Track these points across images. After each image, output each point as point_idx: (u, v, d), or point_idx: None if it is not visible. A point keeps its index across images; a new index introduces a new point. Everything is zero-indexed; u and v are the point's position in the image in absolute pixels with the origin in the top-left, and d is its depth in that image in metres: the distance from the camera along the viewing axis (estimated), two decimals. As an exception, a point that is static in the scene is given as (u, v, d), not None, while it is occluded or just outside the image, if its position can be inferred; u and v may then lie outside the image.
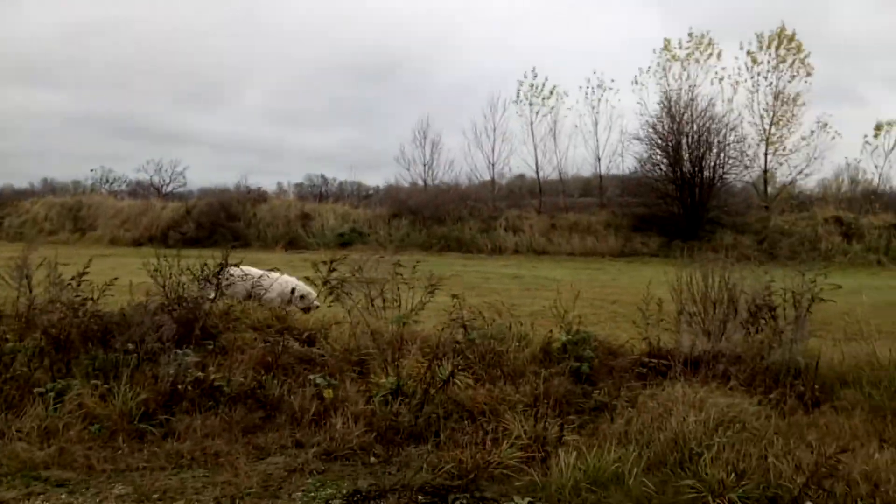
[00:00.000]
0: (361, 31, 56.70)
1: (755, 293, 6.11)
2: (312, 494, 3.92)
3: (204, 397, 4.92)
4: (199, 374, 5.02)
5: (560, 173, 29.27)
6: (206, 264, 6.64)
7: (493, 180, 29.92)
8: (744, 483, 3.85)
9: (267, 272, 8.02)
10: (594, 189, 29.15)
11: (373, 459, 4.34)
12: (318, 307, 7.89)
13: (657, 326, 5.93)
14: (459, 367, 5.49)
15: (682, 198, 24.00)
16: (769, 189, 28.00)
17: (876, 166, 28.33)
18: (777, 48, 27.15)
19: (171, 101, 56.80)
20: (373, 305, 6.67)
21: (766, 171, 27.72)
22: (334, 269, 6.32)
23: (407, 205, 25.22)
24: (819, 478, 3.71)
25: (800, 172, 27.60)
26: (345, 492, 3.90)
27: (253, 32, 56.61)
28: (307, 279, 6.33)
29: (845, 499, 3.83)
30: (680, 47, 27.18)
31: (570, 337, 5.74)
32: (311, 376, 5.12)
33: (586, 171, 29.90)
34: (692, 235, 23.47)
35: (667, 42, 27.40)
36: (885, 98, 45.71)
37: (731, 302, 6.33)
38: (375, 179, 47.46)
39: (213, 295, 6.34)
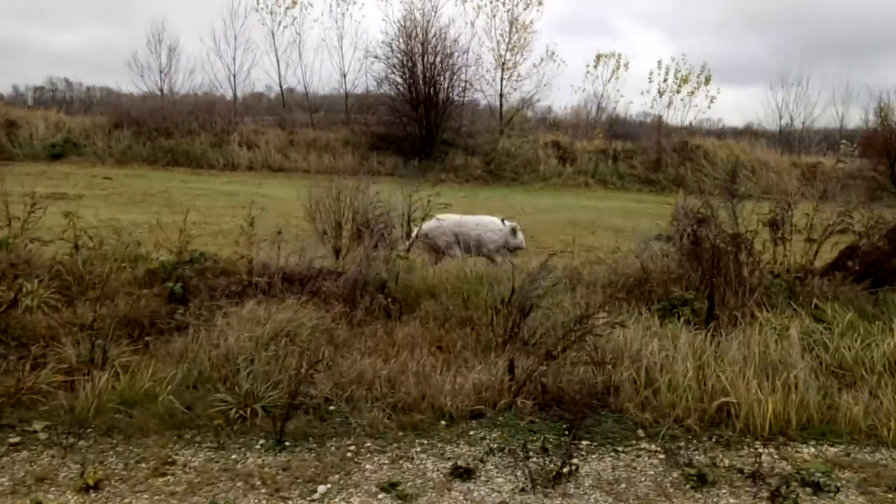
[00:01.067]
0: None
1: (367, 211, 6.38)
2: None
3: None
4: None
5: (305, 88, 28.69)
6: None
7: (234, 92, 28.60)
8: (272, 393, 4.06)
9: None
10: (339, 106, 28.90)
11: None
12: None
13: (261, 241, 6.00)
14: (52, 290, 5.22)
15: (417, 118, 24.59)
16: (505, 112, 29.60)
17: (596, 94, 31.03)
18: (511, -26, 28.23)
19: None
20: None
21: (501, 95, 29.20)
22: None
23: (130, 115, 23.24)
24: (307, 384, 3.99)
25: (530, 98, 29.50)
26: None
27: None
28: None
29: (364, 402, 4.20)
30: (421, -35, 27.32)
31: (169, 257, 5.64)
32: None
33: (332, 88, 29.62)
34: (427, 156, 24.27)
35: (408, -41, 27.40)
36: (636, 31, 49.96)
37: (354, 221, 6.57)
38: (126, 85, 42.16)
39: None
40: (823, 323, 5.61)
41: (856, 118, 31.33)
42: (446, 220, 7.38)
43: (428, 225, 7.22)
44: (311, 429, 3.94)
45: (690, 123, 29.26)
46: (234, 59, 27.63)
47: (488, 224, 7.64)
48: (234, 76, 27.93)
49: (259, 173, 22.42)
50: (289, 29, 27.53)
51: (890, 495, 3.50)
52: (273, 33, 27.48)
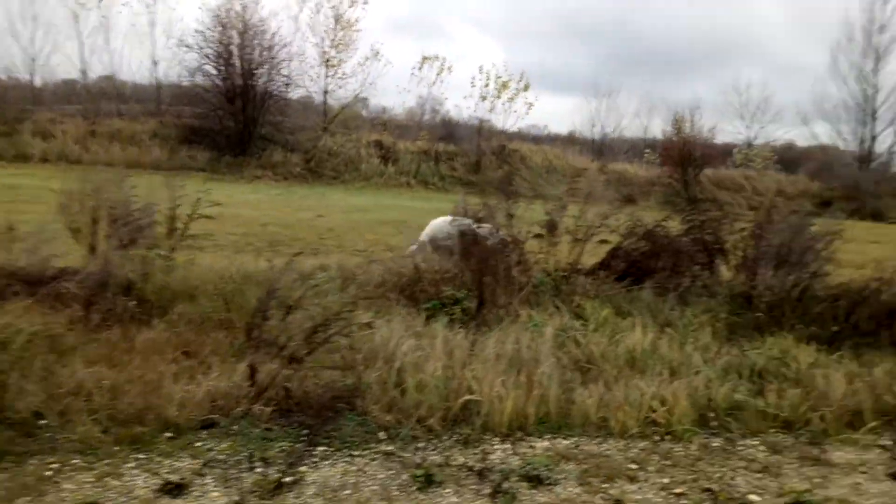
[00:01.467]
0: None
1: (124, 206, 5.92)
2: None
3: None
4: None
5: (112, 75, 26.71)
6: None
7: (31, 78, 26.08)
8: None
9: None
10: (151, 96, 27.16)
11: None
12: None
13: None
14: None
15: (234, 112, 23.62)
16: (328, 109, 29.18)
17: (422, 96, 31.37)
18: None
19: None
20: None
21: (325, 92, 28.76)
22: None
23: None
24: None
25: (356, 96, 29.32)
26: None
27: None
28: None
29: (80, 415, 3.81)
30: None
31: None
32: None
33: (145, 78, 27.80)
34: (243, 151, 23.40)
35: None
36: (469, 35, 51.17)
37: (112, 217, 6.07)
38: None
39: None
40: (582, 320, 5.87)
41: (658, 129, 34.10)
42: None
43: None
44: (12, 446, 3.51)
45: (519, 130, 30.33)
46: (32, 42, 25.23)
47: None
48: (33, 60, 25.50)
49: (54, 166, 20.54)
50: (94, 12, 25.52)
51: (605, 485, 3.65)
52: (76, 15, 25.36)
